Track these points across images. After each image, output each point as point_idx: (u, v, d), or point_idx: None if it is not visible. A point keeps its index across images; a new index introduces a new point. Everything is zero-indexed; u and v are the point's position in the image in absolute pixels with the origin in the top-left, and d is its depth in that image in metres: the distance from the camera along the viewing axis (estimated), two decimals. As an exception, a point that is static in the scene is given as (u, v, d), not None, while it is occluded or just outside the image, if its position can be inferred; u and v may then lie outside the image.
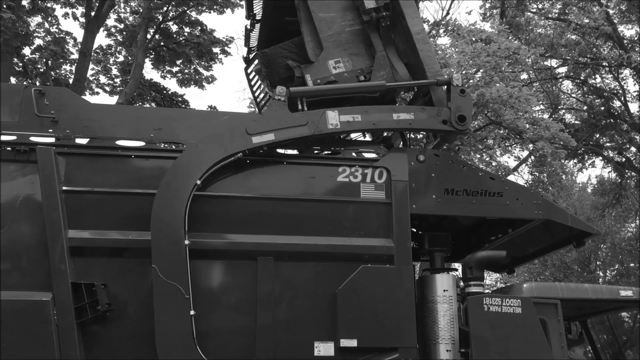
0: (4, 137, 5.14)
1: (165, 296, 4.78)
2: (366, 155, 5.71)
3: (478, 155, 19.85)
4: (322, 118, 5.44)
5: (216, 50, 21.56)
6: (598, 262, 30.12)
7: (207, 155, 5.14)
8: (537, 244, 6.62)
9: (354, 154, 5.66)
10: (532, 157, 20.90)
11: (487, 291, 5.72)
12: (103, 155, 5.26)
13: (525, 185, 17.81)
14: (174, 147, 5.33)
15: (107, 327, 4.84)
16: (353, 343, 5.09)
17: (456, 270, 6.25)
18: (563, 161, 22.52)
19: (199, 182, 5.04)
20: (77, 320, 4.73)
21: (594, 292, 5.61)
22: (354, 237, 5.41)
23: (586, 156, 27.52)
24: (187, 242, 4.91)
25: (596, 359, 6.49)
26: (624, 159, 26.06)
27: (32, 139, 5.15)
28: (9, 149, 5.15)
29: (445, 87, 5.83)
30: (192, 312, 4.81)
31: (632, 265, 28.70)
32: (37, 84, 17.65)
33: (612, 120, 24.50)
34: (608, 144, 26.58)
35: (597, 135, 26.00)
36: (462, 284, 5.86)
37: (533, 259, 7.46)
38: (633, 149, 25.30)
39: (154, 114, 5.57)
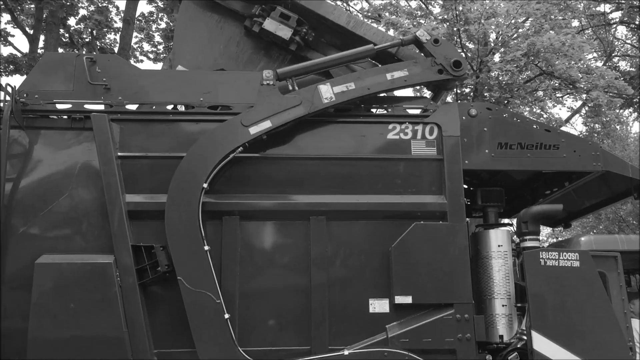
0: (60, 106, 5.27)
1: (196, 305, 4.81)
2: (416, 111, 5.63)
3: (528, 108, 19.34)
4: (316, 94, 5.32)
5: (256, 12, 21.34)
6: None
7: (208, 158, 5.08)
8: (594, 197, 6.44)
9: (406, 110, 5.58)
10: (586, 107, 20.24)
11: (543, 245, 5.62)
12: (154, 120, 5.32)
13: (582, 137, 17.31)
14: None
15: (166, 288, 4.98)
16: (408, 300, 5.11)
17: (510, 225, 6.16)
18: (618, 111, 21.75)
19: (205, 185, 5.00)
20: (138, 282, 4.88)
21: (658, 244, 5.45)
22: (406, 194, 5.37)
23: (643, 105, 26.52)
24: (207, 247, 4.92)
25: (657, 312, 6.34)
26: (683, 107, 24.97)
27: (87, 106, 5.25)
28: (65, 117, 5.28)
29: (416, 46, 5.72)
30: (226, 316, 4.83)
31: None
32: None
33: (670, 65, 23.40)
34: (667, 91, 25.46)
35: (654, 82, 24.94)
36: (516, 238, 5.77)
37: (590, 213, 7.28)
38: (693, 95, 24.19)
39: (202, 77, 5.58)
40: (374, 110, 5.67)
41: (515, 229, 5.88)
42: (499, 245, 5.54)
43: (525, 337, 5.16)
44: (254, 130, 5.21)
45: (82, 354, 4.69)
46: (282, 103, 5.31)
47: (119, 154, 5.18)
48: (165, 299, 4.99)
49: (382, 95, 5.66)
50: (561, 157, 5.54)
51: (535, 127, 5.65)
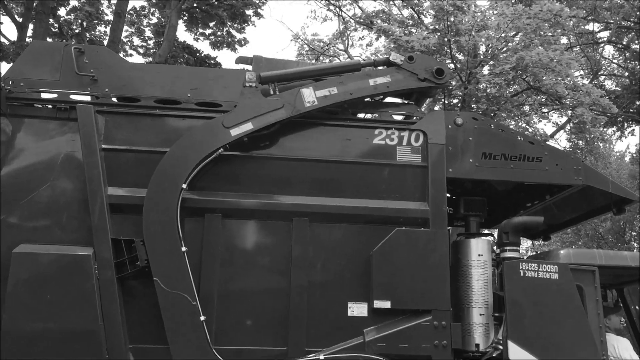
0: (45, 95, 5.22)
1: (172, 307, 4.78)
2: (403, 118, 5.66)
3: (514, 122, 19.49)
4: (298, 97, 5.32)
5: (249, 12, 21.41)
6: (633, 233, 29.62)
7: (188, 158, 5.06)
8: (574, 211, 6.51)
9: (392, 116, 5.61)
10: (571, 124, 20.45)
11: (523, 257, 5.66)
12: (140, 114, 5.29)
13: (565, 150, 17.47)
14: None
15: (145, 283, 4.94)
16: (387, 304, 5.12)
17: (491, 235, 6.20)
18: (602, 129, 21.99)
19: (184, 186, 4.97)
20: (117, 275, 4.84)
21: (633, 260, 5.51)
22: (389, 199, 5.39)
23: (626, 124, 26.85)
24: (184, 249, 4.89)
25: (631, 328, 6.42)
26: (665, 127, 25.35)
27: (72, 97, 5.21)
28: (50, 106, 5.23)
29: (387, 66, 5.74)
30: (202, 318, 4.80)
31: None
32: (73, 45, 17.76)
33: (655, 87, 23.74)
34: (649, 111, 25.82)
35: (638, 103, 25.28)
36: (497, 249, 5.81)
37: (569, 226, 7.35)
38: (675, 116, 24.58)
39: (190, 73, 5.56)
40: (361, 115, 5.69)
41: (495, 239, 5.92)
42: (479, 255, 5.57)
43: (500, 347, 5.18)
44: (235, 132, 5.19)
45: (57, 348, 4.63)
46: (263, 105, 5.30)
47: (103, 146, 5.14)
48: (142, 294, 4.95)
49: (368, 100, 5.68)
50: (544, 170, 5.60)
51: (519, 138, 5.70)
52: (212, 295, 4.99)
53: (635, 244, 29.47)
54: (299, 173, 5.35)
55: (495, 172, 5.57)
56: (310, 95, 5.38)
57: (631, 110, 25.15)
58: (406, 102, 5.94)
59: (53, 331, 4.65)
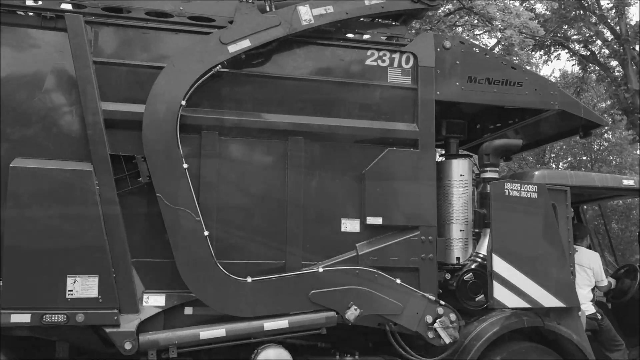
0: (29, 2, 4.91)
1: (176, 223, 4.81)
2: (394, 40, 5.71)
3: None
4: (295, 15, 5.25)
5: None
6: (552, 155, 31.35)
7: (186, 74, 4.95)
8: (544, 133, 6.89)
9: (382, 38, 5.66)
10: (500, 46, 20.97)
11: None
12: (131, 26, 5.09)
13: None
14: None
15: (145, 198, 4.94)
16: (378, 221, 5.37)
17: (472, 156, 6.51)
18: (530, 52, 22.68)
19: (183, 102, 4.90)
20: (118, 191, 4.80)
21: (600, 180, 5.99)
22: (380, 120, 5.53)
23: (552, 48, 27.75)
24: (185, 165, 4.88)
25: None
26: (588, 53, 26.42)
27: (62, 6, 4.93)
28: (31, 14, 4.93)
29: None
30: (205, 233, 4.85)
31: (584, 158, 30.08)
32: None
33: (582, 12, 24.51)
34: (575, 37, 26.78)
35: (566, 27, 26.08)
36: (476, 169, 6.13)
37: (536, 147, 7.80)
38: (599, 42, 25.60)
39: (182, -16, 5.35)
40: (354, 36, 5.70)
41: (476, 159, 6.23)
42: (460, 175, 5.87)
43: (479, 259, 5.59)
44: (232, 48, 5.10)
45: (61, 264, 4.61)
46: (261, 22, 5.20)
47: (94, 59, 4.94)
48: (144, 209, 4.96)
49: (361, 20, 5.69)
50: (524, 95, 5.87)
51: (503, 63, 5.92)
52: (212, 212, 5.06)
53: (554, 165, 31.27)
54: (294, 92, 5.37)
55: (479, 96, 5.79)
56: (307, 14, 5.32)
57: (558, 34, 25.97)
58: (394, 23, 5.97)
59: (57, 247, 4.61)
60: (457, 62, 5.74)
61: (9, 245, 4.51)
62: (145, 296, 4.89)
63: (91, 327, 4.77)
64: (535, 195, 5.44)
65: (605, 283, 6.26)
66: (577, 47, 26.39)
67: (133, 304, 4.77)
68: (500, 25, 17.35)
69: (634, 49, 23.12)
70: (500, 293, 5.26)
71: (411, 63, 5.66)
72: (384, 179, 5.42)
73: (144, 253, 4.94)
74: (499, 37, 18.43)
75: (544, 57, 28.83)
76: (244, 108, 5.27)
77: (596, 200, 6.93)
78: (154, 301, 4.90)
